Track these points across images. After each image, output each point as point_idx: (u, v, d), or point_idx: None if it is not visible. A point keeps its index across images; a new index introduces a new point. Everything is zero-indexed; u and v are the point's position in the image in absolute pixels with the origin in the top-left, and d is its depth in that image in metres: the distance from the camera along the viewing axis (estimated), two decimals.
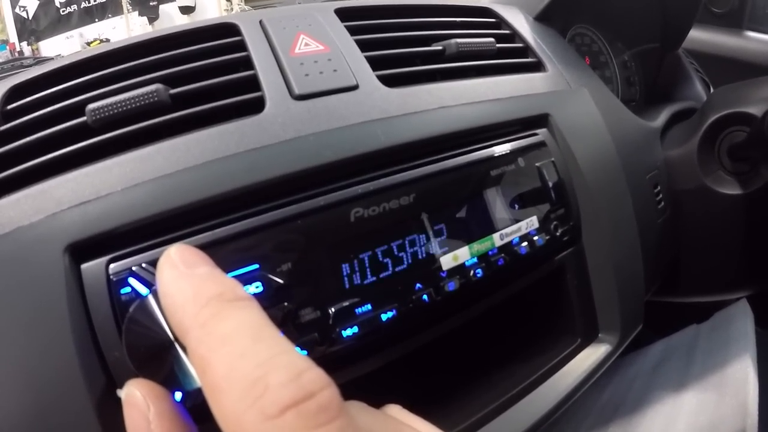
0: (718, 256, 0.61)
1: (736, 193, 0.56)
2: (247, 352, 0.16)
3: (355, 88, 0.37)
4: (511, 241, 0.38)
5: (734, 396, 0.41)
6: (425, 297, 0.34)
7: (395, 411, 0.25)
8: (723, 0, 1.05)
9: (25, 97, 0.36)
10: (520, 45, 0.52)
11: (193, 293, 0.18)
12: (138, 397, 0.20)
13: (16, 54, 5.12)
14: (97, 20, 5.45)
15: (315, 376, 0.16)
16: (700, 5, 0.74)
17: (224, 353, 0.16)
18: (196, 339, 0.17)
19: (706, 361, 0.48)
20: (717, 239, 0.60)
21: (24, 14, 5.55)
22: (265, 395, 0.15)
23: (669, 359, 0.54)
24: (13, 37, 5.53)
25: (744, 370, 0.43)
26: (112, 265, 0.27)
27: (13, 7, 5.56)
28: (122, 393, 0.21)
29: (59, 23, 5.49)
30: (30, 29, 5.53)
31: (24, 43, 5.48)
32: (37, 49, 5.39)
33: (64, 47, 5.31)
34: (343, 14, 0.43)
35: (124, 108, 0.33)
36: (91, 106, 0.33)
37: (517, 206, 0.39)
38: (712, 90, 0.83)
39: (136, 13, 5.30)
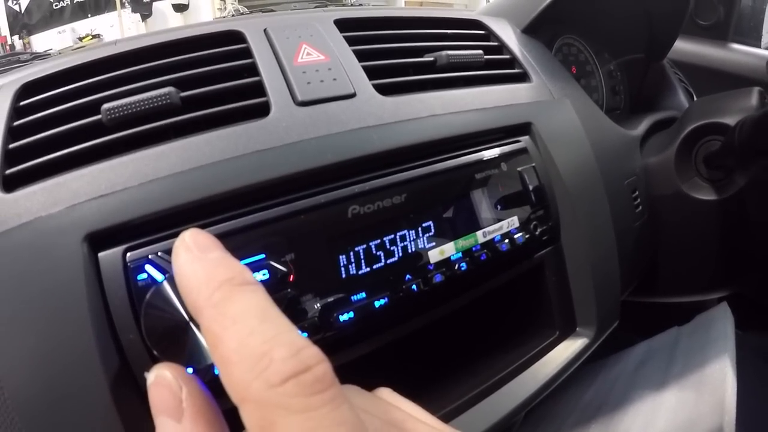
0: (694, 259, 0.63)
1: (712, 199, 0.58)
2: (254, 330, 0.18)
3: (352, 96, 0.40)
4: (493, 239, 0.41)
5: (712, 394, 0.42)
6: (414, 287, 0.37)
7: (386, 393, 0.27)
8: (709, 12, 1.06)
9: (38, 95, 0.37)
10: (507, 56, 0.54)
11: (206, 276, 0.20)
12: (170, 378, 0.22)
13: (8, 48, 5.07)
14: (89, 15, 5.41)
15: (312, 352, 0.18)
16: (686, 17, 0.76)
17: (234, 330, 0.18)
18: (209, 318, 0.19)
19: (686, 361, 0.50)
20: (693, 243, 0.62)
21: (16, 8, 5.49)
22: (269, 367, 0.17)
23: (650, 360, 0.55)
24: (4, 30, 5.46)
25: (722, 370, 0.44)
26: (129, 254, 0.29)
27: (6, 1, 5.50)
28: (150, 375, 0.22)
29: (51, 18, 5.43)
30: (22, 23, 5.46)
31: (15, 37, 5.42)
32: (28, 43, 5.33)
33: (56, 42, 5.24)
34: (342, 25, 0.45)
35: (139, 108, 0.35)
36: (106, 105, 0.35)
37: (499, 207, 0.42)
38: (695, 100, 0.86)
39: (130, 9, 5.27)
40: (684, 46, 1.05)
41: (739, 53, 1.05)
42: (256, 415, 0.17)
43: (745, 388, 0.43)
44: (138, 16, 5.22)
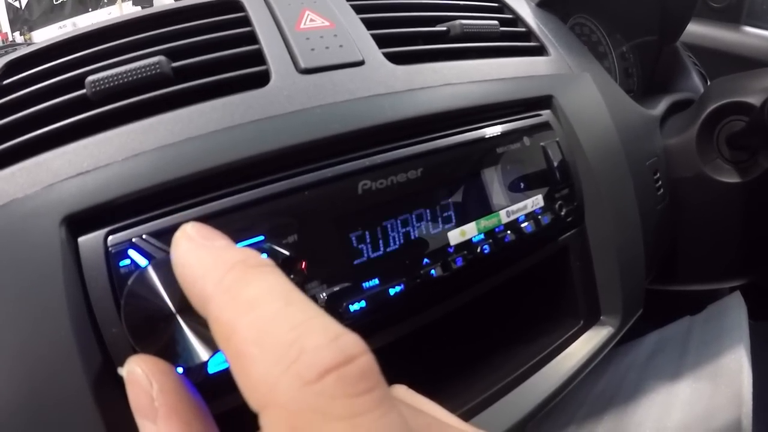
0: (715, 245, 0.61)
1: (735, 182, 0.56)
2: (278, 315, 0.15)
3: (361, 63, 0.37)
4: (517, 219, 0.38)
5: (729, 386, 0.41)
6: (433, 272, 0.34)
7: (402, 392, 0.24)
8: None
9: (21, 72, 0.35)
10: (523, 29, 0.52)
11: (214, 261, 0.17)
12: (140, 374, 0.19)
13: (9, 43, 5.08)
14: (90, 10, 5.40)
15: (353, 340, 0.15)
16: None
17: (253, 317, 0.15)
18: (220, 305, 0.16)
19: (700, 351, 0.49)
20: (714, 227, 0.60)
21: (17, 3, 5.49)
22: (301, 358, 0.14)
23: (663, 350, 0.54)
24: (5, 26, 5.47)
25: (738, 360, 0.43)
26: (110, 237, 0.26)
27: None
28: (123, 371, 0.20)
29: (52, 13, 5.44)
30: (23, 19, 5.47)
31: (17, 33, 5.43)
32: (29, 38, 5.34)
33: None
34: None
35: (125, 80, 0.32)
36: (90, 77, 0.32)
37: (522, 185, 0.39)
38: (708, 83, 0.84)
39: (130, 2, 5.26)
40: (696, 29, 1.04)
41: (753, 36, 1.04)
42: (285, 423, 0.14)
43: (760, 378, 0.42)
44: (139, 8, 5.22)
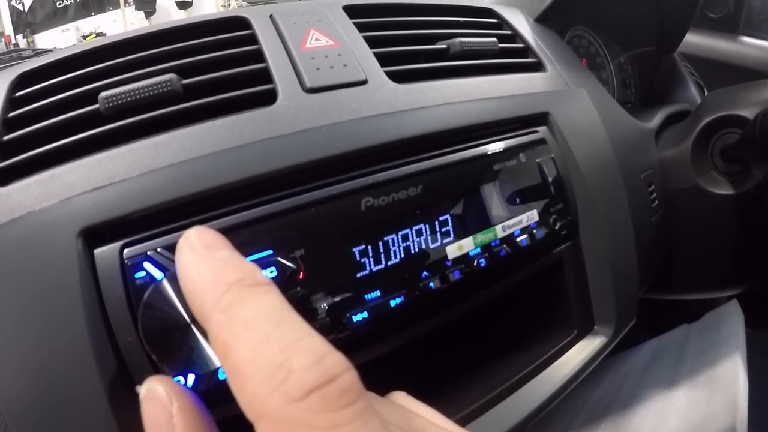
0: (710, 255, 0.62)
1: (728, 193, 0.57)
2: (269, 337, 0.17)
3: (364, 82, 0.38)
4: (513, 233, 0.39)
5: (724, 393, 0.42)
6: (431, 285, 0.35)
7: (401, 398, 0.25)
8: (719, 5, 1.06)
9: (34, 85, 0.36)
10: (521, 45, 0.53)
11: (214, 278, 0.19)
12: (161, 392, 0.20)
13: (12, 47, 5.07)
14: (93, 14, 5.42)
15: (336, 359, 0.16)
16: (697, 10, 0.75)
17: (247, 338, 0.17)
18: (218, 324, 0.18)
19: (696, 359, 0.49)
20: (709, 238, 0.60)
21: (20, 7, 5.50)
22: (288, 379, 0.16)
23: (660, 358, 0.55)
24: (8, 29, 5.48)
25: (734, 369, 0.44)
26: (126, 250, 0.27)
27: (9, 0, 5.51)
28: (142, 389, 0.21)
29: (55, 16, 5.45)
30: (26, 22, 5.48)
31: (20, 36, 5.44)
32: (32, 41, 5.35)
33: (59, 40, 5.27)
34: (352, 11, 0.44)
35: (138, 96, 0.33)
36: (104, 93, 0.33)
37: (518, 200, 0.40)
38: (705, 93, 0.84)
39: (133, 7, 5.27)
40: (693, 39, 1.04)
41: (750, 46, 1.04)
42: None
43: (756, 387, 0.42)
44: (141, 13, 5.22)
